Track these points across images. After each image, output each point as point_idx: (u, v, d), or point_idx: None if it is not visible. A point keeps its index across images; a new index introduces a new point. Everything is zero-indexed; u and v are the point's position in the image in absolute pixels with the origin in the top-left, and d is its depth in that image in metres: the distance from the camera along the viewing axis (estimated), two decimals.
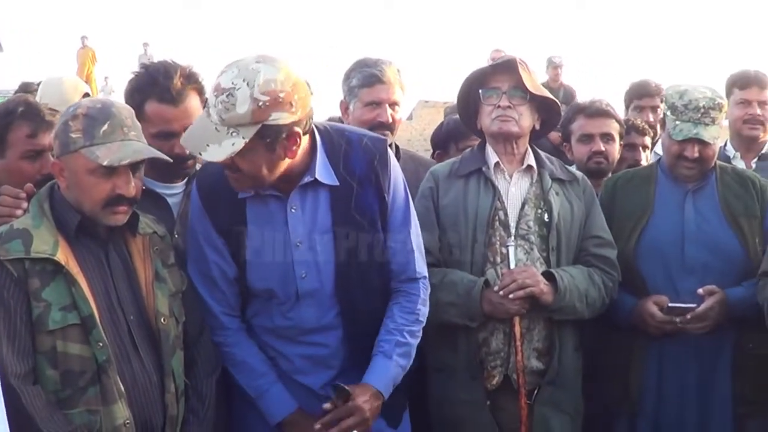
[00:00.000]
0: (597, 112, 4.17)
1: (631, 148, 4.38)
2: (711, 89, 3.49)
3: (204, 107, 2.59)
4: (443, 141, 4.33)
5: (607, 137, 4.14)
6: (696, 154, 3.43)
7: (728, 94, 4.40)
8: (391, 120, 3.65)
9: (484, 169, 3.31)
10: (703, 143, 3.43)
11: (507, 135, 3.25)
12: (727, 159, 4.32)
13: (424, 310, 2.89)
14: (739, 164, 4.25)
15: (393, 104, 3.69)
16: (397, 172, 2.83)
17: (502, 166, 3.32)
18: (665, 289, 3.45)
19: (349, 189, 2.70)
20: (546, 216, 3.27)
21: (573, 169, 3.63)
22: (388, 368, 2.79)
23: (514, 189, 3.32)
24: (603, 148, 4.11)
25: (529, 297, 3.14)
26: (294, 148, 2.54)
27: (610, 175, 4.06)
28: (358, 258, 2.73)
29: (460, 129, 3.85)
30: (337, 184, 2.68)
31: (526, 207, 3.29)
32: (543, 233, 3.28)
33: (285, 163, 2.58)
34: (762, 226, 3.47)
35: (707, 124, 3.41)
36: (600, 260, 3.35)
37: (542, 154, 3.46)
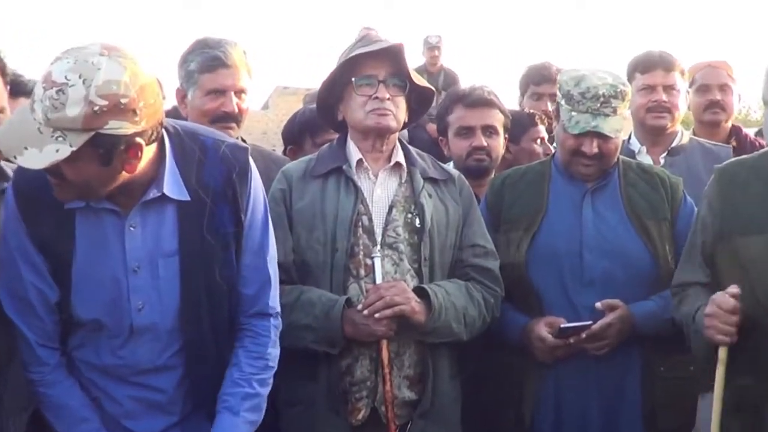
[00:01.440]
0: (478, 100, 3.77)
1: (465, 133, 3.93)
2: (612, 74, 3.16)
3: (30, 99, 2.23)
4: (297, 134, 3.92)
5: (489, 130, 3.75)
6: (595, 150, 3.10)
7: (630, 80, 3.99)
8: (237, 110, 3.32)
9: (344, 167, 3.00)
10: (603, 137, 3.10)
11: (384, 131, 2.98)
12: (632, 154, 3.92)
13: (274, 353, 2.62)
14: (645, 160, 3.88)
15: (239, 92, 3.36)
16: (257, 187, 2.57)
17: (365, 164, 3.03)
18: (561, 304, 3.14)
19: (202, 205, 2.44)
20: (417, 221, 2.97)
21: (448, 166, 3.29)
22: (236, 427, 2.52)
23: (380, 190, 3.02)
24: (485, 143, 3.72)
25: (398, 317, 2.84)
26: (134, 161, 2.27)
27: (493, 174, 3.71)
28: (208, 288, 2.46)
29: (317, 120, 3.45)
30: (188, 199, 2.42)
31: (394, 211, 2.98)
32: (414, 241, 2.97)
33: (123, 177, 2.30)
34: (672, 230, 3.17)
35: (608, 115, 3.08)
36: (480, 272, 3.06)
37: (412, 149, 3.15)
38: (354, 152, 3.03)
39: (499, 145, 3.80)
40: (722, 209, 2.71)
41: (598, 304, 3.02)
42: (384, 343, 2.89)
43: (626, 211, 3.19)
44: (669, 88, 3.93)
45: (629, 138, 4.05)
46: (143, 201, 2.38)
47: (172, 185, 2.40)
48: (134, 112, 2.19)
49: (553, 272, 3.15)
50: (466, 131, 3.75)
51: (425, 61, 10.26)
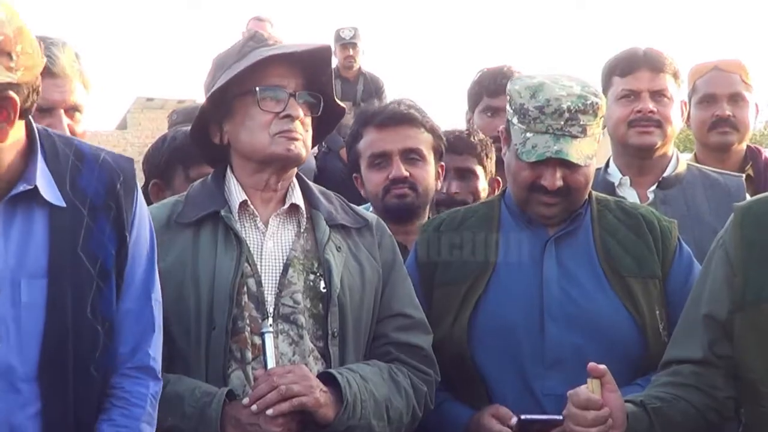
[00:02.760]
0: (392, 117, 3.16)
1: (460, 174, 3.39)
2: (580, 81, 2.66)
3: None
4: (164, 166, 3.30)
5: (411, 155, 3.14)
6: (559, 183, 2.61)
7: (606, 88, 3.36)
8: (68, 133, 2.81)
9: (223, 212, 2.53)
10: (568, 165, 2.60)
11: (293, 162, 2.56)
12: (611, 188, 3.33)
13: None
14: (629, 195, 3.30)
15: (71, 109, 2.90)
16: (143, 209, 2.30)
17: (251, 207, 2.56)
18: (517, 392, 2.65)
19: (78, 217, 2.17)
20: (322, 284, 2.52)
21: (363, 210, 2.80)
22: None
23: (272, 243, 2.56)
24: (405, 172, 3.11)
25: (297, 411, 2.37)
26: (4, 124, 2.04)
27: (426, 215, 3.19)
28: (76, 327, 2.14)
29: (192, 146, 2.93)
30: (64, 205, 2.14)
31: (291, 271, 2.53)
32: (318, 312, 2.52)
33: None
34: (664, 290, 2.69)
35: (575, 136, 2.59)
36: (406, 351, 2.61)
37: (313, 186, 2.70)
38: (236, 191, 2.57)
39: (428, 174, 3.18)
40: (746, 264, 2.29)
41: (570, 392, 2.46)
42: None
43: (602, 267, 2.71)
44: (658, 94, 3.28)
45: (606, 166, 3.42)
46: (9, 197, 2.12)
47: (45, 185, 2.14)
48: (9, 56, 1.99)
49: (504, 350, 2.68)
50: (381, 159, 3.17)
51: (337, 63, 8.38)
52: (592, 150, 2.64)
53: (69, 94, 2.89)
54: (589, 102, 2.58)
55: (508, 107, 2.70)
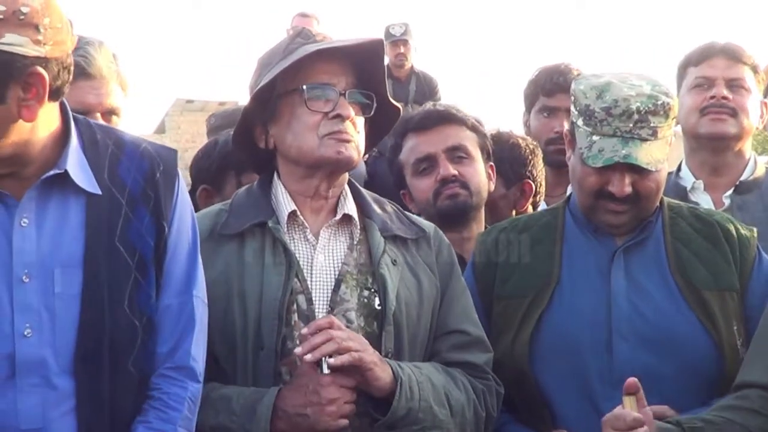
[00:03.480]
0: (429, 118, 3.03)
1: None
2: (651, 80, 2.50)
3: None
4: (216, 171, 3.19)
5: (456, 153, 2.99)
6: (628, 189, 2.46)
7: (680, 83, 3.18)
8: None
9: (270, 223, 2.37)
10: (638, 170, 2.45)
11: (344, 166, 2.39)
12: (683, 193, 3.15)
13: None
14: (703, 200, 3.12)
15: (108, 112, 2.80)
16: (186, 201, 2.21)
17: (301, 218, 2.40)
18: (582, 413, 2.49)
19: (116, 206, 2.11)
20: (377, 301, 2.37)
21: (421, 219, 2.62)
22: None
23: (323, 257, 2.40)
24: (453, 171, 2.94)
25: (353, 370, 2.21)
26: (33, 102, 1.97)
27: (482, 220, 3.03)
28: (113, 321, 2.07)
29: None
30: (99, 193, 2.09)
31: (344, 287, 2.38)
32: (373, 330, 2.37)
33: (17, 130, 2.00)
34: (743, 303, 2.54)
35: (645, 139, 2.44)
36: (462, 368, 2.45)
37: (367, 194, 2.52)
38: (284, 200, 2.41)
39: (478, 172, 3.02)
40: None
41: (609, 416, 2.29)
42: None
43: (675, 279, 2.54)
44: (734, 83, 3.09)
45: (678, 170, 3.22)
46: (41, 181, 2.07)
47: (78, 171, 2.09)
48: (37, 28, 1.93)
49: (569, 370, 2.53)
50: (426, 163, 3.00)
51: (388, 62, 7.87)
52: (663, 154, 2.49)
53: (106, 97, 2.80)
54: (660, 102, 2.43)
55: (572, 108, 2.56)
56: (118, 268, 2.10)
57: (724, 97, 3.05)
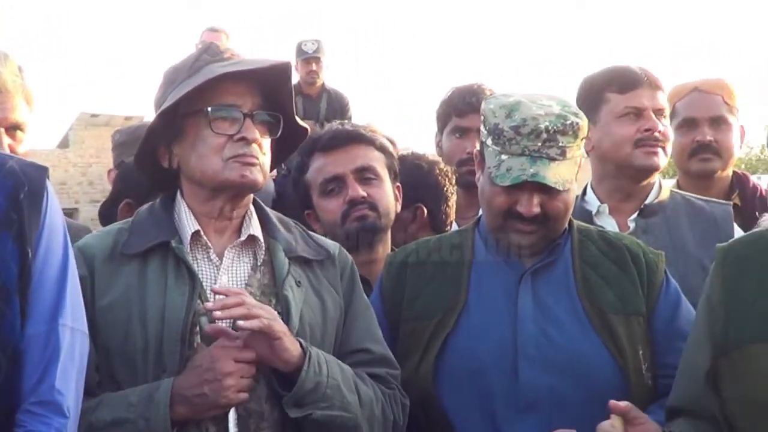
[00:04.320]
0: (337, 138, 2.96)
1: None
2: (560, 100, 2.45)
3: None
4: (122, 189, 3.22)
5: (365, 174, 2.93)
6: (536, 209, 2.40)
7: (595, 104, 3.06)
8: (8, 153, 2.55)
9: (173, 243, 2.31)
10: (547, 190, 2.38)
11: (248, 188, 2.35)
12: (588, 216, 3.06)
13: None
14: (608, 225, 3.02)
15: (13, 127, 2.67)
16: (55, 222, 2.08)
17: (204, 237, 2.34)
18: None
19: None
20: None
21: (325, 240, 2.57)
22: None
23: (227, 278, 2.34)
24: (362, 192, 2.88)
25: (259, 336, 2.15)
26: None
27: (389, 241, 2.95)
28: None
29: (136, 169, 2.65)
30: None
31: None
32: None
33: None
34: (649, 328, 2.48)
35: (553, 159, 2.37)
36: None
37: (272, 214, 2.48)
38: (188, 220, 2.34)
39: (387, 194, 2.95)
40: (728, 308, 2.10)
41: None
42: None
43: (582, 302, 2.48)
44: (660, 113, 3.02)
45: (583, 194, 3.15)
46: None
47: None
48: None
49: (474, 393, 2.45)
50: (334, 184, 2.93)
51: (299, 79, 8.00)
52: (571, 174, 2.43)
53: (11, 112, 2.68)
54: (569, 122, 2.37)
55: (482, 128, 2.49)
56: None
57: (659, 131, 2.99)
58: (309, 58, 7.84)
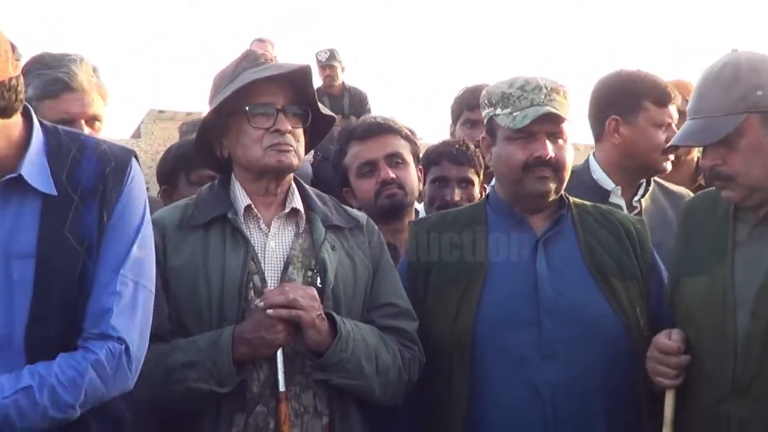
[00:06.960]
0: (372, 128, 3.41)
1: (461, 183, 3.52)
2: (545, 78, 2.83)
3: None
4: (170, 172, 3.48)
5: (394, 159, 3.37)
6: (551, 153, 2.72)
7: (634, 107, 3.36)
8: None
9: (230, 215, 2.65)
10: (556, 136, 2.75)
11: (286, 171, 2.68)
12: (605, 194, 3.39)
13: (93, 381, 2.17)
14: (620, 203, 3.36)
15: (91, 119, 2.97)
16: (136, 195, 2.31)
17: (255, 211, 2.69)
18: (515, 383, 2.73)
19: (68, 202, 2.22)
20: (318, 280, 2.64)
21: (354, 211, 2.90)
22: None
23: (274, 243, 2.68)
24: (392, 175, 3.31)
25: (293, 322, 2.49)
26: None
27: (414, 212, 3.30)
28: (63, 300, 2.17)
29: (192, 154, 3.01)
30: (55, 193, 2.20)
31: (291, 268, 2.66)
32: None
33: None
34: (642, 290, 2.80)
35: (556, 109, 2.74)
36: (392, 333, 2.73)
37: (310, 191, 2.82)
38: (241, 196, 2.70)
39: (412, 176, 3.40)
40: (678, 249, 2.65)
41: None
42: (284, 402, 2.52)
43: (587, 265, 2.78)
44: (670, 126, 3.38)
45: (587, 167, 3.49)
46: (1, 184, 2.16)
47: (35, 173, 2.20)
48: None
49: (506, 344, 2.74)
50: (368, 167, 3.38)
51: (321, 83, 9.14)
52: (571, 120, 2.78)
53: (88, 107, 2.95)
54: (558, 83, 2.74)
55: (487, 109, 2.79)
56: (68, 255, 2.21)
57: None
58: (323, 66, 9.03)
